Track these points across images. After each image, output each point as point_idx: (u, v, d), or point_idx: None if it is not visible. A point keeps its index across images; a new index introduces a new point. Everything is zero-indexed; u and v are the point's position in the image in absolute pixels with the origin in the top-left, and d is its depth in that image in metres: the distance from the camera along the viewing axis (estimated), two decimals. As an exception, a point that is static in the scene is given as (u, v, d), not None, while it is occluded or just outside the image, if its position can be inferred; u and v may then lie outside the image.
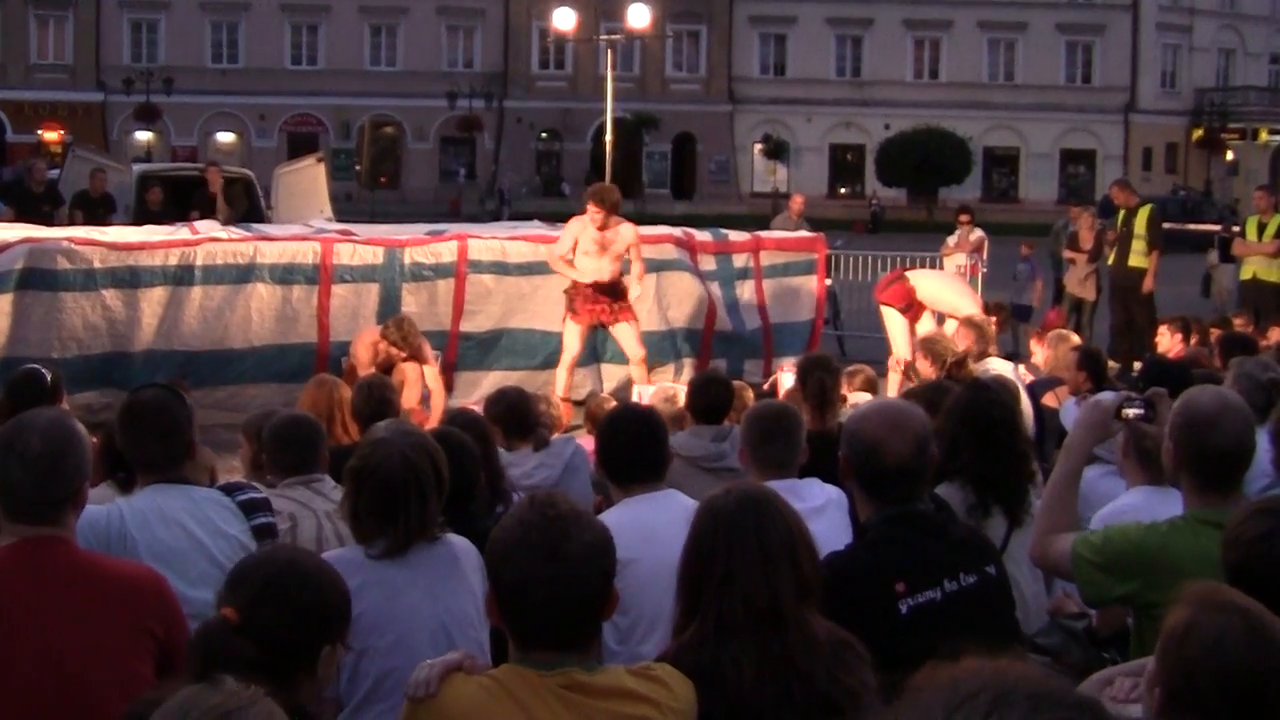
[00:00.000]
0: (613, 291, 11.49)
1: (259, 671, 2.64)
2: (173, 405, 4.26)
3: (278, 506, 4.60)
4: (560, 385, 11.46)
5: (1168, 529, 3.81)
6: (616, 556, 2.90)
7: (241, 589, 2.86)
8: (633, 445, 4.66)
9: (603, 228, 11.32)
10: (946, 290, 12.26)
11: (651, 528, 4.16)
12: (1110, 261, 16.21)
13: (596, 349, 12.62)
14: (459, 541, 3.85)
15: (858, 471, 3.77)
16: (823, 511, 4.52)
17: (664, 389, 9.59)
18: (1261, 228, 15.14)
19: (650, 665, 3.01)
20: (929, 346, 8.73)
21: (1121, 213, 16.14)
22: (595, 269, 11.39)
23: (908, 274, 12.68)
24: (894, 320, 12.19)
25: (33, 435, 3.37)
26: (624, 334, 11.66)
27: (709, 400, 6.61)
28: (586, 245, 11.37)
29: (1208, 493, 3.83)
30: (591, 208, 11.36)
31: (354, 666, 3.56)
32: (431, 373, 10.40)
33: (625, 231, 11.48)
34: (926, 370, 8.49)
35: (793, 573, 3.16)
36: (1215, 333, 11.02)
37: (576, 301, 11.53)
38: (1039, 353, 10.42)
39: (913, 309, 12.09)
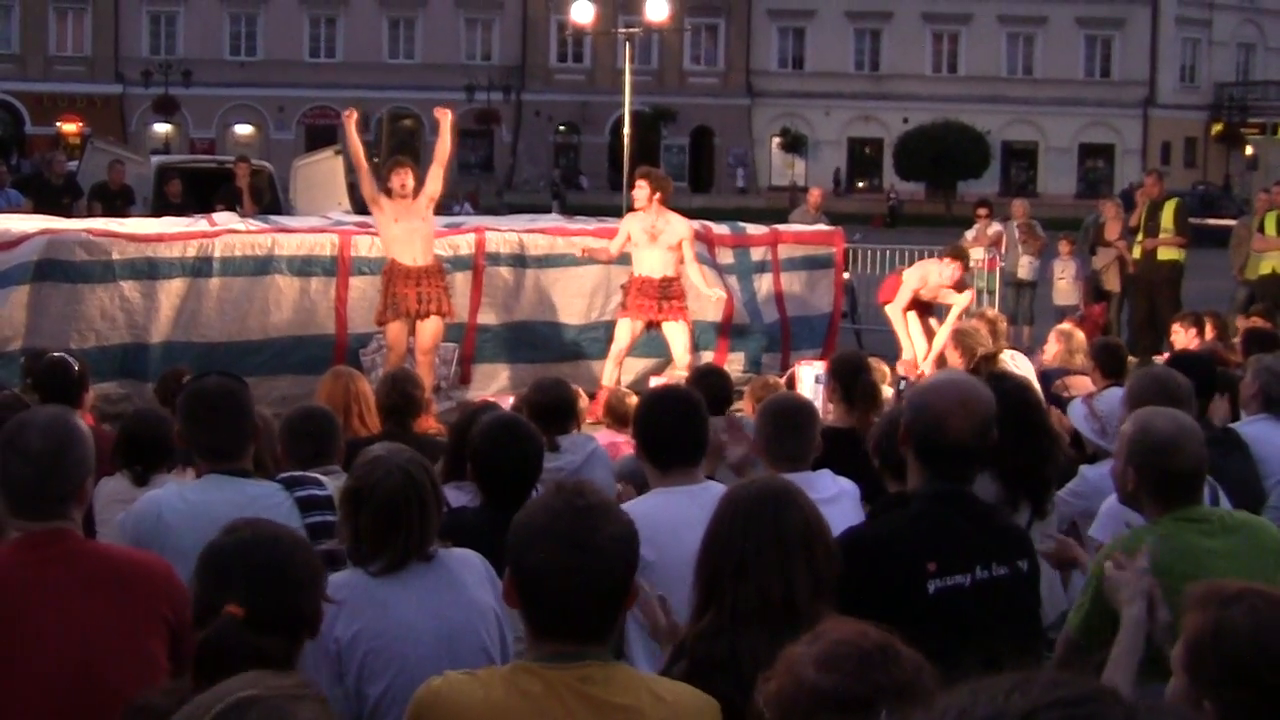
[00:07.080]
0: (664, 288, 11.41)
1: (273, 660, 2.62)
2: (238, 392, 4.23)
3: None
4: (608, 377, 11.36)
5: (1145, 529, 3.85)
6: (640, 551, 2.87)
7: (232, 581, 2.78)
8: (673, 425, 4.48)
9: (646, 209, 11.30)
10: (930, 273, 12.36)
11: (680, 522, 4.01)
12: (1136, 255, 16.02)
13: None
14: (458, 554, 3.72)
15: (918, 442, 3.71)
16: (834, 502, 4.47)
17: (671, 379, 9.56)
18: (1280, 223, 15.09)
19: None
20: (961, 338, 8.68)
21: (1146, 204, 15.99)
22: (648, 261, 11.36)
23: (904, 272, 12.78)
24: (898, 319, 12.15)
25: (33, 433, 3.38)
26: (673, 334, 11.54)
27: (710, 392, 6.57)
28: (638, 237, 11.37)
29: (1172, 509, 3.86)
30: (639, 183, 11.36)
31: (355, 690, 3.47)
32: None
33: (676, 224, 11.46)
34: (955, 361, 8.44)
35: (808, 566, 3.15)
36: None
37: (629, 295, 11.49)
38: (1051, 347, 10.33)
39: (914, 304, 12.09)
